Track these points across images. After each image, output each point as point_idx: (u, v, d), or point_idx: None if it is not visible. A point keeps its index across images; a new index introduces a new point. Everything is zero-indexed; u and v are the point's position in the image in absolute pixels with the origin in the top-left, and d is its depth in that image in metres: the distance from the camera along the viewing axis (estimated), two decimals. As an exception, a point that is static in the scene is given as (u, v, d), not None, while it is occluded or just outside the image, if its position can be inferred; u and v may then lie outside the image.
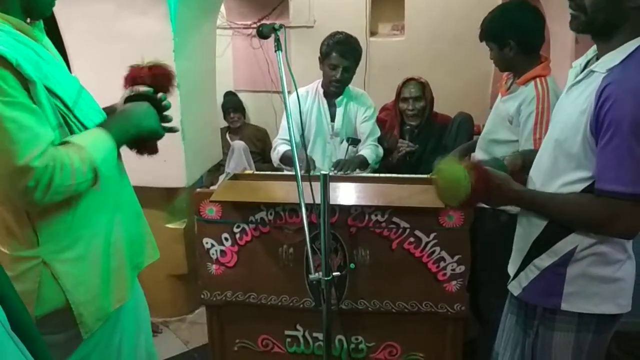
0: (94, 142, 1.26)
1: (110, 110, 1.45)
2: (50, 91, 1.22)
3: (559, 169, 1.36)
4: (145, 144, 1.47)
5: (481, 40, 2.10)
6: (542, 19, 2.10)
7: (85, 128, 1.32)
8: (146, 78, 1.46)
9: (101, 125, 1.33)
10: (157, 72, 1.48)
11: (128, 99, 1.45)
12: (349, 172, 2.37)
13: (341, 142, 2.72)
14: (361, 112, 2.75)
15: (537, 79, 2.02)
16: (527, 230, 1.47)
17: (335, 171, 2.36)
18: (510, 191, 1.41)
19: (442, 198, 1.46)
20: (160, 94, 1.47)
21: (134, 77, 1.47)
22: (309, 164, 2.31)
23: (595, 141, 1.26)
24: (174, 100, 2.48)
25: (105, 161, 1.26)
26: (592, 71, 1.31)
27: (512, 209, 1.71)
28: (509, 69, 2.13)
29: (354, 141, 2.63)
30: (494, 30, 2.04)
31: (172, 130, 1.51)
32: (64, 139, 1.25)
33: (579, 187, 1.31)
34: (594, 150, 1.27)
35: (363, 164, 2.62)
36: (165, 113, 1.49)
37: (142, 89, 1.44)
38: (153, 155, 1.50)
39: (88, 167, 1.22)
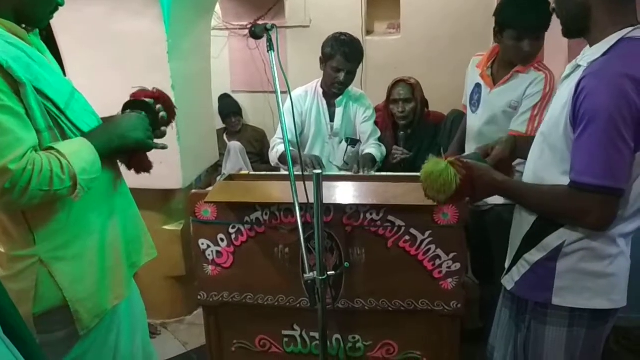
0: (76, 152, 1.26)
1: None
2: (41, 93, 1.24)
3: (546, 162, 1.38)
4: (134, 156, 1.45)
5: (542, 32, 2.07)
6: None
7: (78, 129, 1.33)
8: (150, 96, 1.49)
9: (85, 135, 1.33)
10: (162, 97, 1.51)
11: (127, 104, 1.46)
12: (366, 170, 2.34)
13: (340, 143, 2.72)
14: (361, 113, 2.74)
15: (536, 64, 2.12)
16: (519, 225, 1.49)
17: (356, 169, 2.32)
18: (493, 181, 1.43)
19: (429, 194, 1.46)
20: (159, 105, 1.48)
21: (140, 93, 1.49)
22: (313, 164, 2.32)
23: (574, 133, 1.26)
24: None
25: (84, 171, 1.26)
26: (578, 65, 1.33)
27: (494, 200, 1.77)
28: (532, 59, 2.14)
29: (353, 141, 2.63)
30: (547, 21, 2.03)
31: (161, 147, 1.51)
32: (48, 144, 1.26)
33: (566, 180, 1.31)
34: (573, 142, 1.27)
35: (373, 162, 2.62)
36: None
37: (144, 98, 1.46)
38: (145, 172, 1.49)
39: (67, 175, 1.22)
